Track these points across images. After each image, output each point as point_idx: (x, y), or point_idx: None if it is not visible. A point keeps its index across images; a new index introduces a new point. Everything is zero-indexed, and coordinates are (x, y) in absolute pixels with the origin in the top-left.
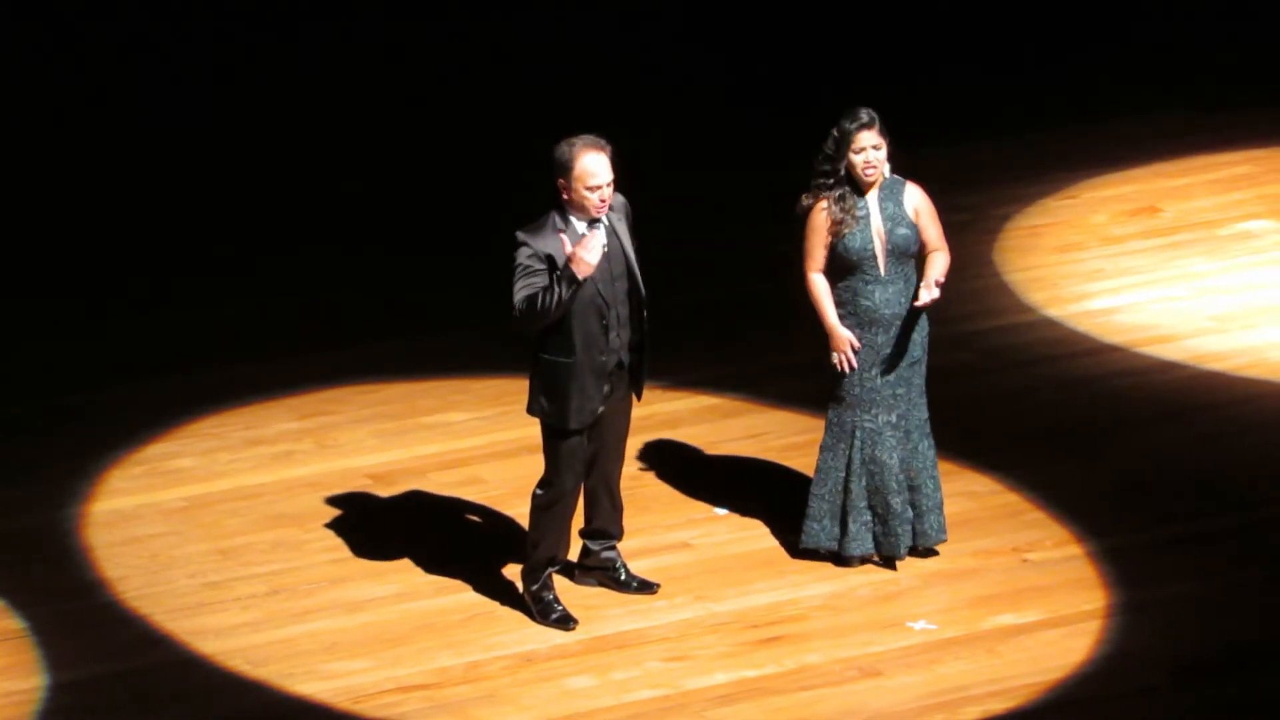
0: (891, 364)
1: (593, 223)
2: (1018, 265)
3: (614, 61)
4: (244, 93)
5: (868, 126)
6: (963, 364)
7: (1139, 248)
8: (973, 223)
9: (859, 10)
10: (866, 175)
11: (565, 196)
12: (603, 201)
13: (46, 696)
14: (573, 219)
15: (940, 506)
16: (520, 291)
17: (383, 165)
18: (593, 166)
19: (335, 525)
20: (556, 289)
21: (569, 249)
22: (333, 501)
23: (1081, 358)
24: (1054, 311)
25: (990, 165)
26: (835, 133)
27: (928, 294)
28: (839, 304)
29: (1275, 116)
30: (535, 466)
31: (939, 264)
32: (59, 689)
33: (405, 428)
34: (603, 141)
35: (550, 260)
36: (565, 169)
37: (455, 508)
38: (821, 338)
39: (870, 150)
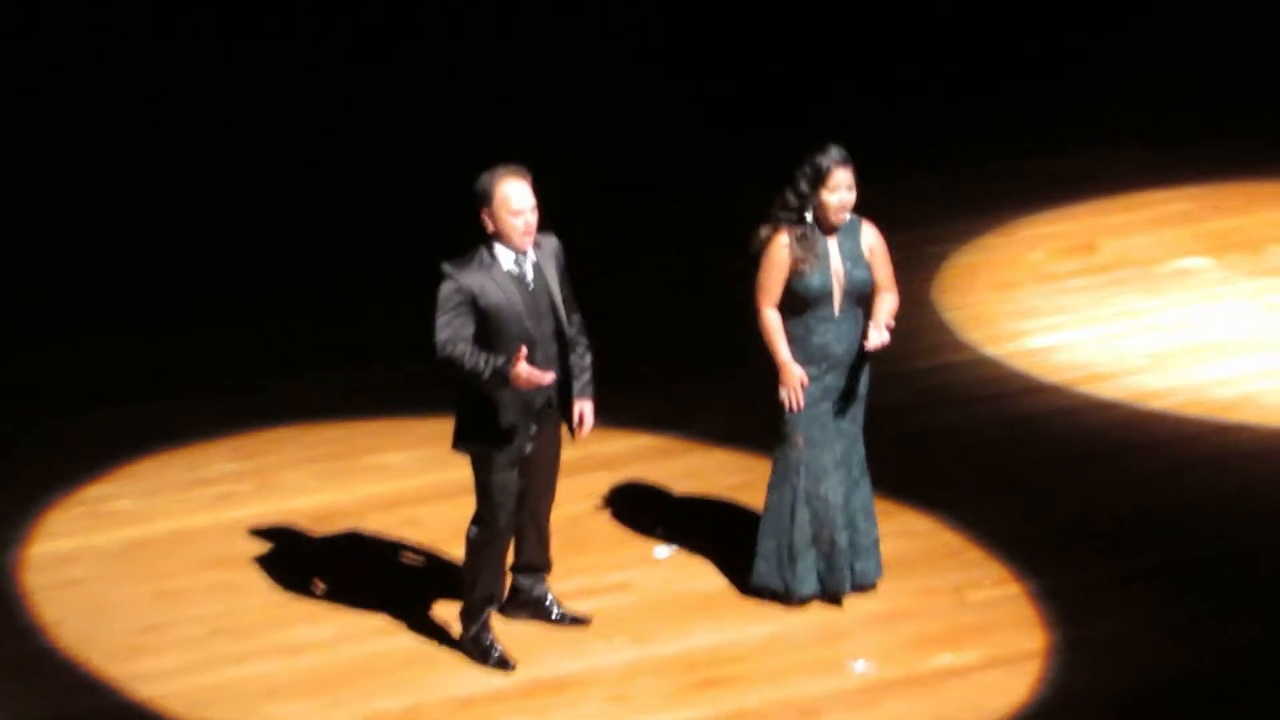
0: (839, 401)
1: (519, 257)
2: (954, 303)
3: (557, 87)
4: (177, 122)
5: (844, 164)
6: (900, 403)
7: (1076, 285)
8: (908, 260)
9: (793, 40)
10: (838, 217)
11: (490, 228)
12: (527, 227)
13: None
14: (500, 252)
15: (876, 544)
16: (444, 331)
17: (328, 197)
18: (513, 192)
19: (275, 567)
20: (484, 376)
21: (527, 369)
22: (272, 543)
23: (1019, 396)
24: (991, 350)
25: (926, 201)
26: (809, 169)
27: (877, 336)
28: (790, 340)
29: (1212, 154)
30: (474, 507)
31: (887, 305)
32: None
33: (345, 468)
34: (523, 169)
35: (473, 296)
36: (486, 198)
37: (395, 549)
38: (771, 373)
39: (844, 191)
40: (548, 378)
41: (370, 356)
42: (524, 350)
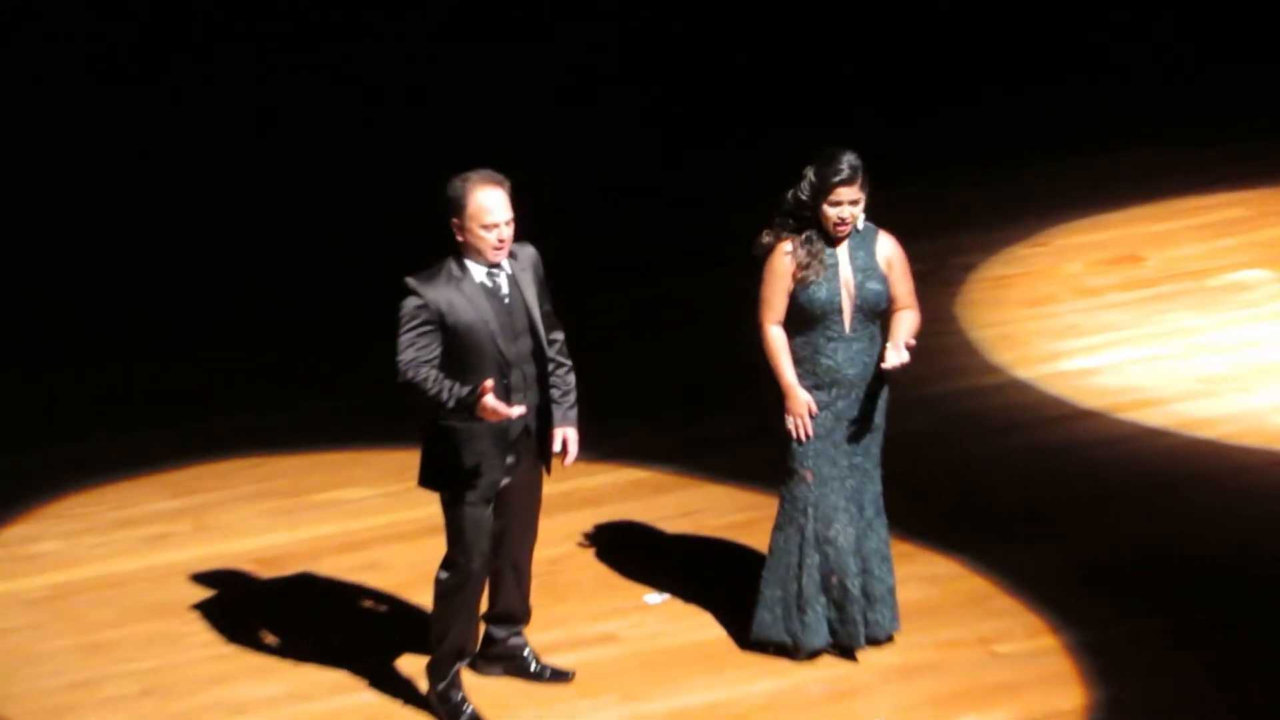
0: (851, 431)
1: (492, 269)
2: (983, 320)
3: (553, 99)
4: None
5: (849, 182)
6: (921, 432)
7: (1119, 301)
8: (932, 273)
9: (803, 40)
10: (838, 232)
11: (460, 238)
12: (500, 242)
13: None
14: (470, 265)
15: (892, 592)
16: (405, 352)
17: (276, 216)
18: (487, 203)
19: (217, 616)
20: (446, 405)
21: (493, 401)
22: (213, 590)
23: (1055, 424)
24: (1024, 373)
25: (952, 208)
26: (813, 178)
27: (896, 356)
28: (796, 362)
29: (1268, 152)
30: (441, 549)
31: (907, 323)
32: None
33: (295, 506)
34: (500, 176)
35: (440, 314)
36: (458, 207)
37: (352, 596)
38: (775, 399)
39: (847, 206)
40: (516, 412)
41: (325, 382)
42: (489, 383)
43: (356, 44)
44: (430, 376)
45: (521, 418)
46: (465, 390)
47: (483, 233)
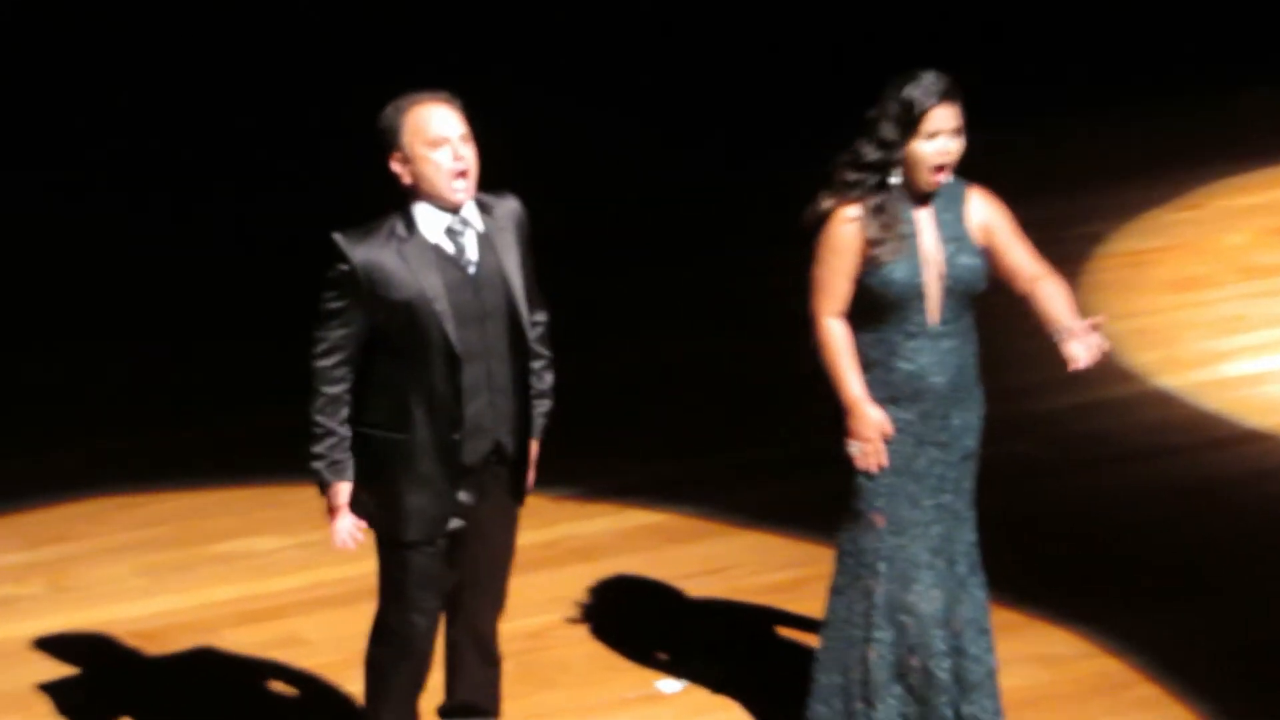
0: (938, 460)
1: (453, 223)
2: (1114, 310)
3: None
4: None
5: (949, 99)
6: (1027, 461)
7: None
8: (1044, 245)
9: None
10: (935, 176)
11: (408, 180)
12: (459, 164)
13: None
14: (422, 217)
15: (993, 675)
16: (324, 331)
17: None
18: (430, 116)
19: (80, 707)
20: (311, 464)
21: (341, 537)
22: (77, 669)
23: (1212, 450)
24: (1169, 380)
25: (1070, 159)
26: (895, 106)
27: (1084, 348)
28: (865, 366)
29: None
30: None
31: (1060, 298)
32: None
33: (186, 560)
34: (446, 94)
35: (371, 278)
36: (392, 135)
37: (261, 680)
38: (835, 416)
39: (946, 137)
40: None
41: (225, 396)
42: (344, 521)
43: None
44: (324, 402)
45: (496, 429)
46: (331, 473)
47: (429, 153)
